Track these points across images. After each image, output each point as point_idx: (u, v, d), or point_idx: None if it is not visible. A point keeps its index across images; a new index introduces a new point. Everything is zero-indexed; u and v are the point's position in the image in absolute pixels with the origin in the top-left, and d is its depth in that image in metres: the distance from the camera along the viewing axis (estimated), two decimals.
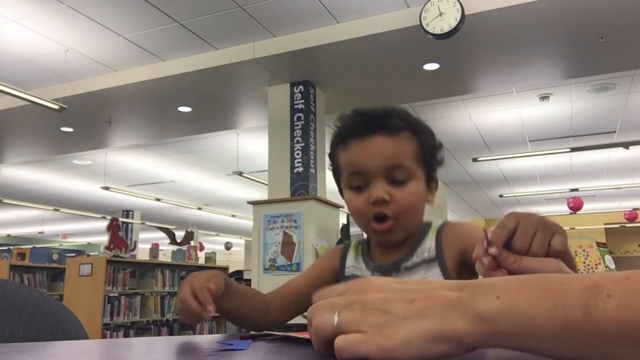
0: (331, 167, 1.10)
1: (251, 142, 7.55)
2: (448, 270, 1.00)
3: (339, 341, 0.42)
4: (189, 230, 10.14)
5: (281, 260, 4.79)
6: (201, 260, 9.99)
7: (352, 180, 1.00)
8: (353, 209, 1.02)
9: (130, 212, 13.23)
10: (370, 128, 0.99)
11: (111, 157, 8.58)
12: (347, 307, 0.44)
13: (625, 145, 7.41)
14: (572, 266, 0.70)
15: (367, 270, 1.07)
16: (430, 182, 1.05)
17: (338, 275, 1.11)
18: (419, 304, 0.42)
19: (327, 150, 1.11)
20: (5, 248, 11.32)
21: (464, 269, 0.98)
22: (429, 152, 1.03)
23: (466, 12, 4.04)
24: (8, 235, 18.05)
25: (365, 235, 1.15)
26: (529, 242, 0.61)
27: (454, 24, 4.05)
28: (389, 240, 1.03)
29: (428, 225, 1.08)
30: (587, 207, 12.18)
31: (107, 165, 8.96)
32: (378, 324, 0.42)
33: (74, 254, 8.86)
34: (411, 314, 0.42)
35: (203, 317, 0.86)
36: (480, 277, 0.65)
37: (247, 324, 1.09)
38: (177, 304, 0.87)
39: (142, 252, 9.67)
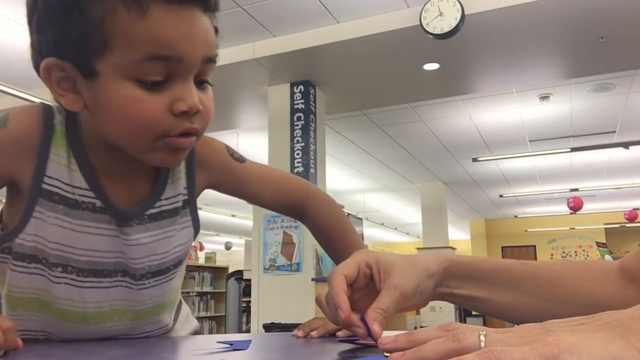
0: (74, 28, 0.60)
1: (251, 142, 7.54)
2: (196, 214, 0.78)
3: (480, 354, 0.33)
4: None
5: (281, 260, 4.80)
6: (201, 260, 9.96)
7: (148, 68, 0.60)
8: (140, 116, 0.61)
9: None
10: None
11: None
12: (496, 332, 0.37)
13: (625, 145, 7.40)
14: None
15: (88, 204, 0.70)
16: None
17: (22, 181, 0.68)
18: (592, 325, 0.35)
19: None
20: None
21: None
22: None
23: (466, 12, 4.04)
24: None
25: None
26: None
27: (454, 24, 4.05)
28: (173, 163, 0.71)
29: None
30: (587, 207, 12.18)
31: None
32: (537, 335, 0.34)
33: None
34: (582, 329, 0.34)
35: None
36: None
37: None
38: None
39: None
